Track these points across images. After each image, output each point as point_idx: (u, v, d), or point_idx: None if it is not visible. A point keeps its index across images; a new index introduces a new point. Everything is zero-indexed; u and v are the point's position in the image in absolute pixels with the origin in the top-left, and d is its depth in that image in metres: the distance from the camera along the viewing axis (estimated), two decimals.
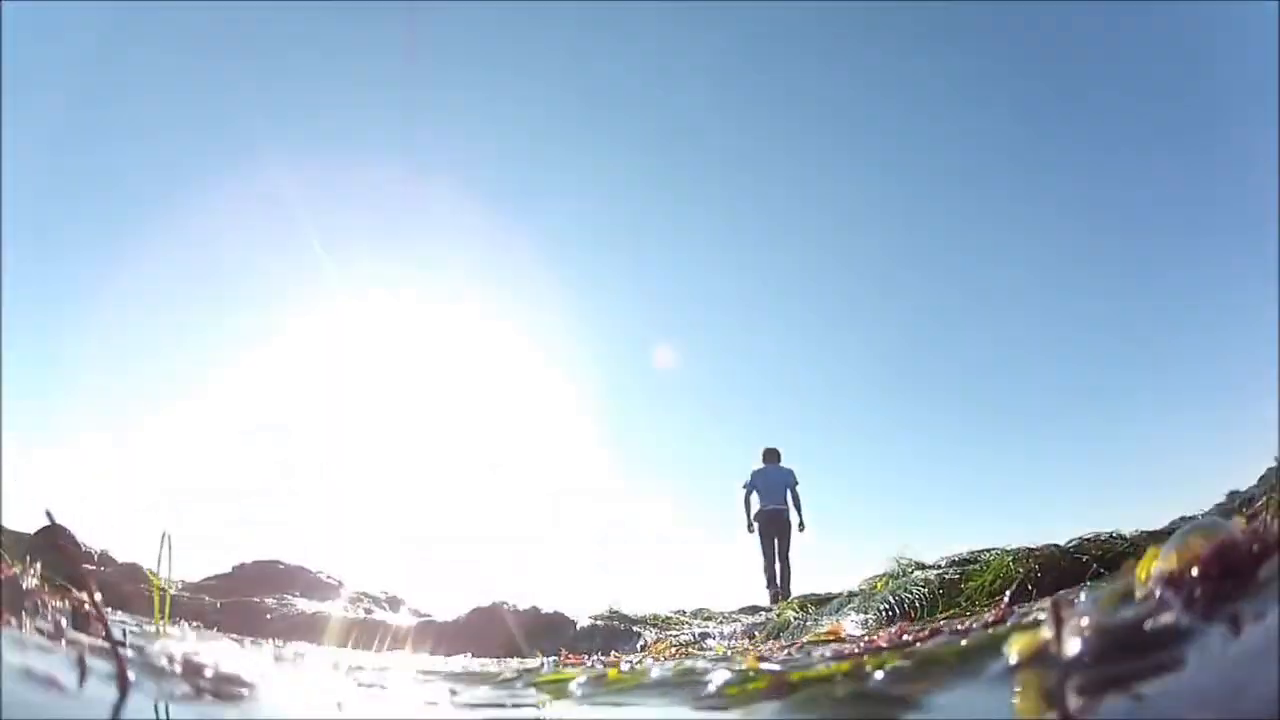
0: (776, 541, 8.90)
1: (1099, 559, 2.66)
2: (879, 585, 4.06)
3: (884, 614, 2.84)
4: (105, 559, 4.25)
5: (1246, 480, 7.98)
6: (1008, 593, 2.60)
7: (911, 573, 3.77)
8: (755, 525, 8.99)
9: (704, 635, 4.62)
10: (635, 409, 18.98)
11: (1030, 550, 2.80)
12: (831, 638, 1.90)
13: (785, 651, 1.67)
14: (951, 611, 2.54)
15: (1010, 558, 2.76)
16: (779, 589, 8.82)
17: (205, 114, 14.46)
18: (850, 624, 2.93)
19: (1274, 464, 8.07)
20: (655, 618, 5.84)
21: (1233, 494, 8.75)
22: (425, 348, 13.15)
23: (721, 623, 6.52)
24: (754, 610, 7.44)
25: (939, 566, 4.10)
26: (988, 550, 4.90)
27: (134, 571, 4.23)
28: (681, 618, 6.60)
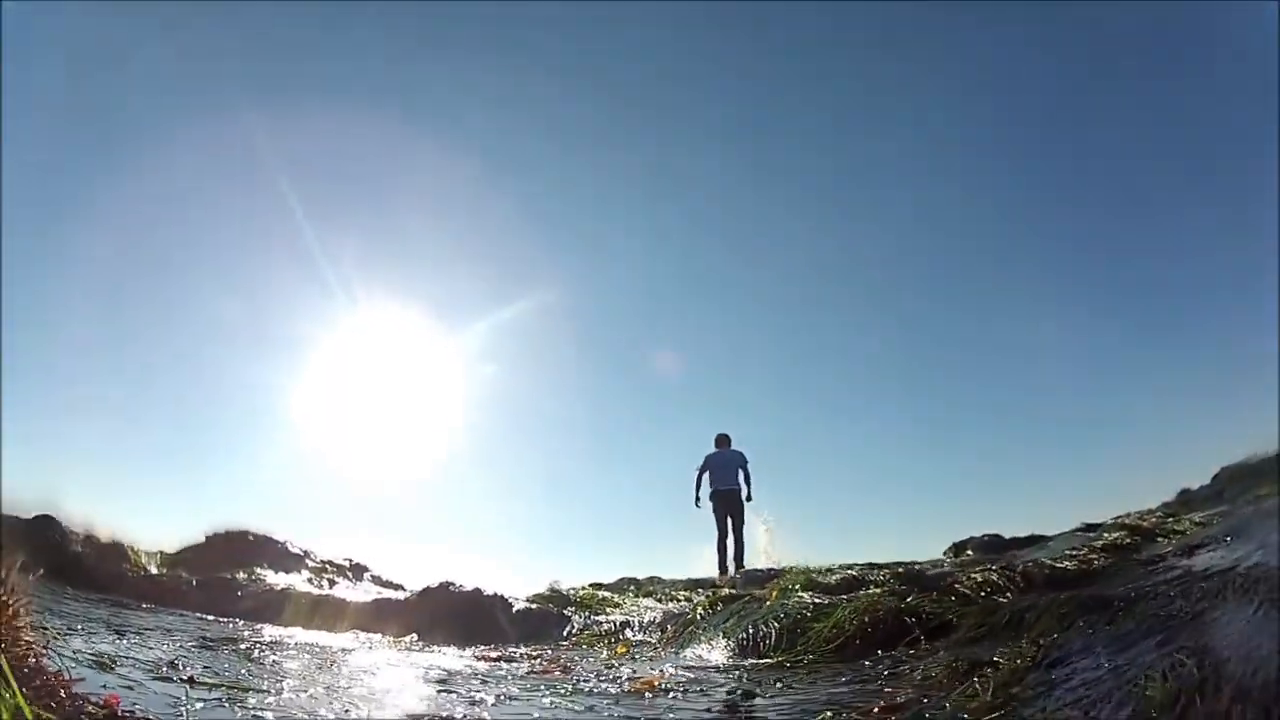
0: (730, 519, 9.85)
1: (925, 623, 3.18)
2: (773, 595, 4.70)
3: (742, 644, 3.46)
4: (90, 541, 4.85)
5: (1201, 478, 8.56)
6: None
7: (796, 591, 4.41)
8: (710, 503, 9.98)
9: (625, 625, 5.31)
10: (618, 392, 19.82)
11: (872, 603, 3.35)
12: (646, 688, 2.50)
13: None
14: (791, 654, 3.14)
15: (850, 609, 3.32)
16: (734, 561, 9.82)
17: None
18: (716, 649, 3.56)
19: (1224, 467, 8.63)
20: (591, 597, 6.55)
21: (1184, 492, 9.39)
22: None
23: (663, 598, 7.29)
24: (696, 586, 8.25)
25: (827, 584, 4.74)
26: (875, 569, 5.62)
27: (118, 552, 4.86)
28: (620, 595, 7.34)
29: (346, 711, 2.21)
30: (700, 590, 7.87)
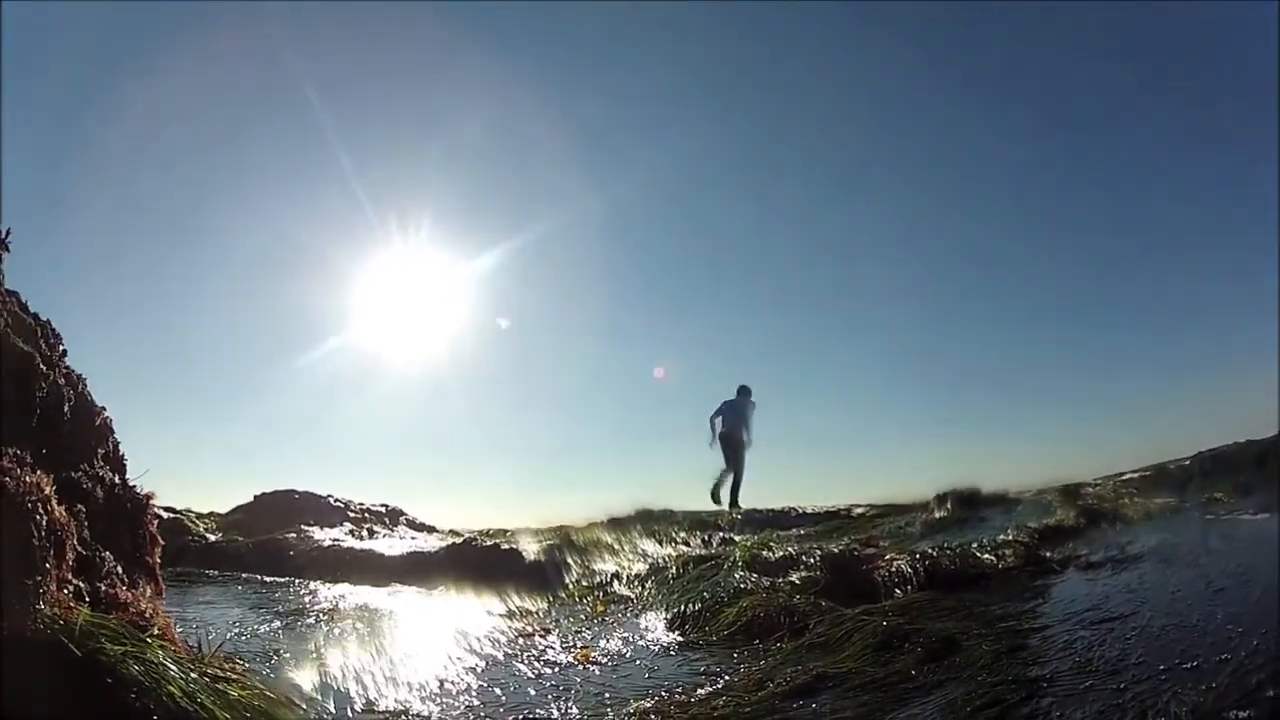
0: (731, 458, 12.26)
1: (794, 623, 4.19)
2: (725, 565, 6.28)
3: (675, 618, 5.03)
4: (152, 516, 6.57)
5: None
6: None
7: (738, 567, 5.95)
8: (717, 443, 12.39)
9: (614, 576, 7.00)
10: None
11: (766, 599, 4.75)
12: (583, 660, 4.11)
13: None
14: (703, 634, 4.65)
15: (749, 602, 4.75)
16: (730, 491, 12.26)
17: None
18: (659, 620, 5.13)
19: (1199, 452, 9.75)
20: (594, 542, 8.27)
21: (1159, 468, 10.58)
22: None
23: (662, 540, 9.05)
24: (697, 526, 10.01)
25: (768, 561, 6.24)
26: (856, 506, 7.13)
27: (178, 525, 6.58)
28: (625, 535, 9.09)
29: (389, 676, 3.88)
30: (698, 532, 9.64)
